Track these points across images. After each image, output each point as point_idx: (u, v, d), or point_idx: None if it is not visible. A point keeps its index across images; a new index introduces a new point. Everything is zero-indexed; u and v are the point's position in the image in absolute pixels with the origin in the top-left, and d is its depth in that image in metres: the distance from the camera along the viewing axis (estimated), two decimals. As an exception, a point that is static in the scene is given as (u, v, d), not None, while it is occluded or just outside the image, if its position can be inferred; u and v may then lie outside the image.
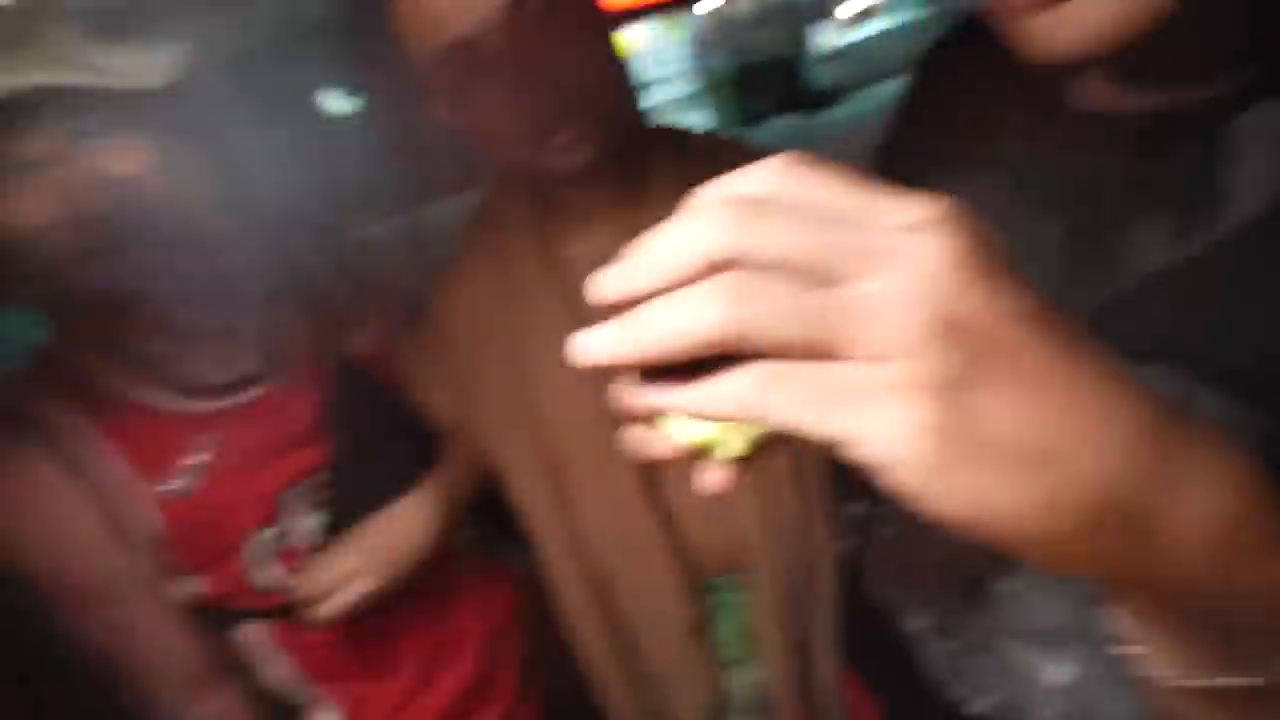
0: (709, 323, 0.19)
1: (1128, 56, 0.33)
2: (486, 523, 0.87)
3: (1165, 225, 0.35)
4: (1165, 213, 0.35)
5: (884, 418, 0.19)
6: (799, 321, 0.19)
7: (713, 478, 0.27)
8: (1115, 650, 0.27)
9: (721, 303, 0.19)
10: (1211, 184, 0.34)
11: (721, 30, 8.71)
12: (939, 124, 0.52)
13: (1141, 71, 0.37)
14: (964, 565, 0.45)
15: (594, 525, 0.69)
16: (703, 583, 0.70)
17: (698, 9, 8.17)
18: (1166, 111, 0.37)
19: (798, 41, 9.14)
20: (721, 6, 8.35)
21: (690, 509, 0.69)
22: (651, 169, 0.68)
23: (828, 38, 10.11)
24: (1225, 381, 0.32)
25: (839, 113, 7.15)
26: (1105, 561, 0.21)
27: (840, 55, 9.49)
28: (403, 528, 0.71)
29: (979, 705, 0.45)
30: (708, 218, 0.20)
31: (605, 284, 0.22)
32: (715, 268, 0.20)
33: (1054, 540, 0.20)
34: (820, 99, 7.90)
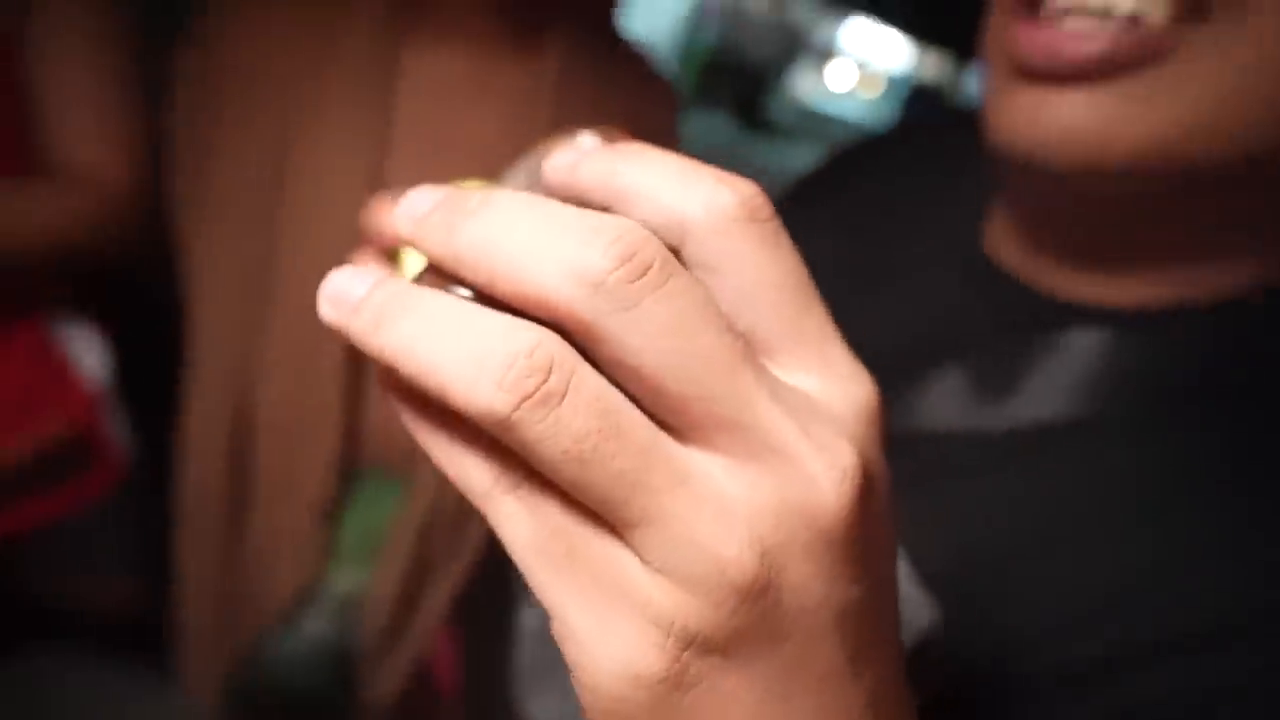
0: (480, 402, 0.12)
1: (1083, 207, 0.28)
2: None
3: (961, 391, 0.31)
4: (967, 377, 0.31)
5: (614, 635, 0.13)
6: (604, 467, 0.13)
7: None
8: None
9: (513, 392, 0.12)
10: (1019, 365, 0.30)
11: (726, 10, 8.55)
12: (843, 205, 0.47)
13: (1086, 239, 0.30)
14: None
15: (275, 356, 0.57)
16: (356, 465, 0.62)
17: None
18: (1076, 302, 0.31)
19: (779, 66, 9.25)
20: (743, -10, 8.22)
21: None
22: (557, 43, 0.59)
23: (804, 82, 10.40)
24: (926, 567, 0.29)
25: (767, 150, 7.33)
26: None
27: (802, 104, 9.78)
28: None
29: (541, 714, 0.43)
30: (602, 241, 0.13)
31: (407, 210, 0.15)
32: (552, 314, 0.13)
33: None
34: (763, 125, 8.06)
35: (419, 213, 0.15)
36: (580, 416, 0.12)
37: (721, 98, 7.74)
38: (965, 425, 0.30)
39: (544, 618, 0.49)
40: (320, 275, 0.72)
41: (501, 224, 0.13)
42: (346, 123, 0.54)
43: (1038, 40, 0.26)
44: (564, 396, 0.12)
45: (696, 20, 7.64)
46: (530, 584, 0.14)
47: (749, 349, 0.14)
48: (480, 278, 0.14)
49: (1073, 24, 0.25)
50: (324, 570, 0.63)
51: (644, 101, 0.66)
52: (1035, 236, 0.32)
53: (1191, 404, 0.27)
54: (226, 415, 0.59)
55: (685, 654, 0.13)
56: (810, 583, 0.14)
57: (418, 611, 0.63)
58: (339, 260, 0.63)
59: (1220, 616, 0.23)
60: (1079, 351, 0.29)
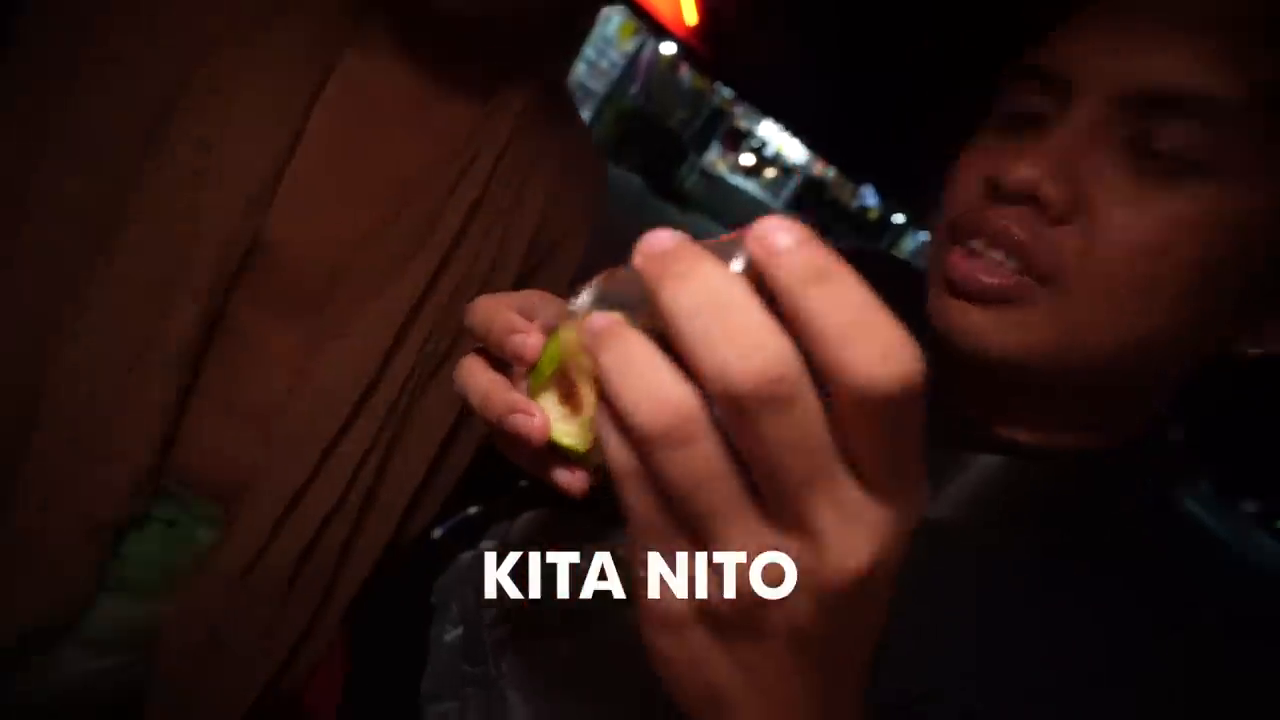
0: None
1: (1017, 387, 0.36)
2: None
3: None
4: None
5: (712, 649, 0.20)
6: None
7: (577, 480, 0.29)
8: None
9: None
10: (936, 473, 0.35)
11: (661, 76, 8.73)
12: None
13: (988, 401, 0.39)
14: (550, 622, 0.43)
15: (88, 333, 0.47)
16: (160, 483, 0.52)
17: (664, 47, 8.14)
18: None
19: (699, 141, 9.59)
20: (673, 55, 8.45)
21: (238, 408, 0.51)
22: (518, 96, 0.54)
23: (712, 159, 10.92)
24: None
25: (672, 213, 7.51)
26: None
27: (711, 174, 10.23)
28: None
29: None
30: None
31: (665, 253, 0.18)
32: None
33: None
34: (671, 191, 8.24)
35: (656, 249, 0.18)
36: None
37: (632, 157, 7.46)
38: None
39: (460, 635, 0.48)
40: (173, 262, 0.50)
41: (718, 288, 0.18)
42: (256, 103, 0.47)
43: (961, 268, 0.36)
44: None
45: (625, 76, 7.73)
46: (639, 567, 0.19)
47: None
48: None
49: (982, 261, 0.36)
50: (89, 598, 0.51)
51: (577, 179, 0.61)
52: (953, 378, 0.41)
53: (1036, 525, 0.37)
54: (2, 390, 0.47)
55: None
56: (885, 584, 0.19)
57: (232, 653, 0.53)
58: (191, 250, 0.47)
59: (1044, 680, 0.32)
60: (981, 469, 0.38)
